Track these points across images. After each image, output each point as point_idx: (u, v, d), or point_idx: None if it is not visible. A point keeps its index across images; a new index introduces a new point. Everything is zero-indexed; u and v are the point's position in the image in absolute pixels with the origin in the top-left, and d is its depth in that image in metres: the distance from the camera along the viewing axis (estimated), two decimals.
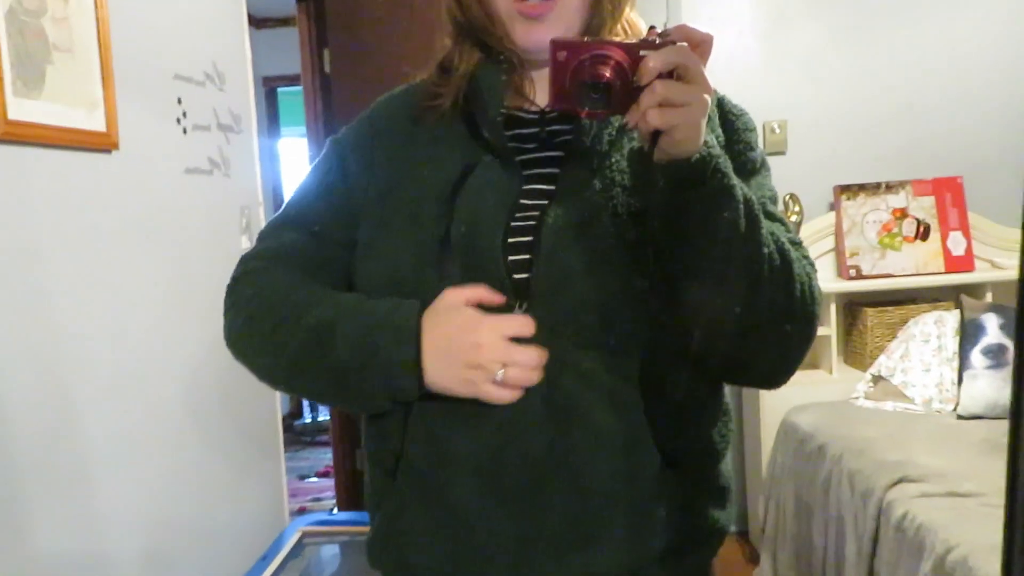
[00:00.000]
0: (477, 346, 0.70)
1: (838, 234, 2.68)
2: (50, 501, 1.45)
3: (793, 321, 0.75)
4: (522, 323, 0.72)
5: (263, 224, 2.49)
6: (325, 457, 3.88)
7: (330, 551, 2.28)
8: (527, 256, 0.77)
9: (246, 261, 0.86)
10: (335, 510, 3.08)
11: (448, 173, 0.80)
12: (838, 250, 2.69)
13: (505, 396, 0.71)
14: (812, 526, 2.24)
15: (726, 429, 0.86)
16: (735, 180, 0.69)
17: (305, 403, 4.76)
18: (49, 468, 1.45)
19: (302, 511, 3.37)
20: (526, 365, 0.71)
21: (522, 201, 0.79)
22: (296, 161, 5.17)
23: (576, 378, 0.75)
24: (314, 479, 3.90)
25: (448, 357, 0.72)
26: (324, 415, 4.05)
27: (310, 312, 0.77)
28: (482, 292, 0.73)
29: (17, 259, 1.39)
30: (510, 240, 0.77)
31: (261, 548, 2.23)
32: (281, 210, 0.89)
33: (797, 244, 0.78)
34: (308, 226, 0.86)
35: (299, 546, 2.23)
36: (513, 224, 0.78)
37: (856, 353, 2.74)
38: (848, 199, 2.67)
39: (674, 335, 0.76)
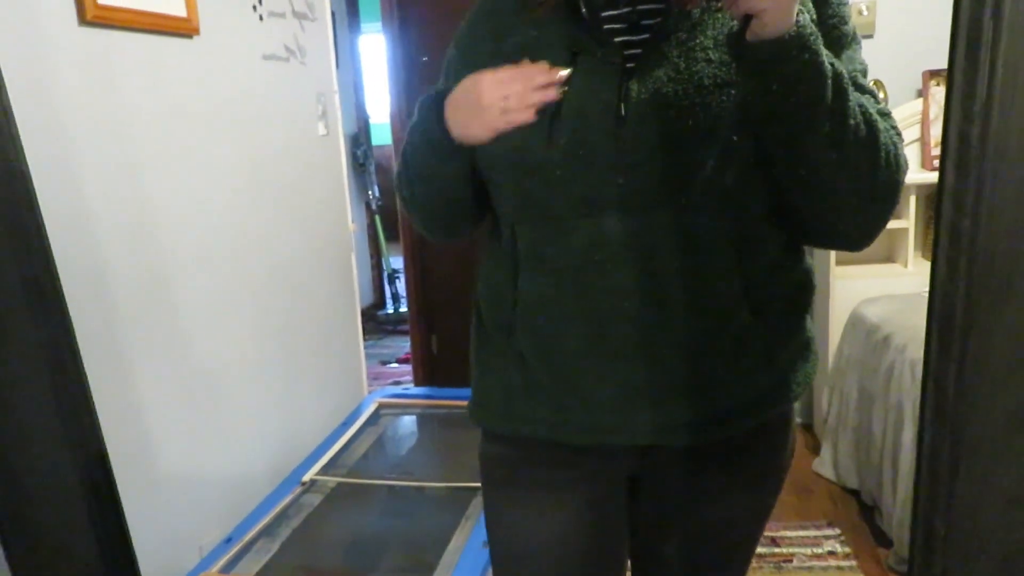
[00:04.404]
0: (479, 95, 0.78)
1: (924, 122, 2.56)
2: (148, 350, 1.62)
3: (877, 187, 0.79)
4: (514, 71, 0.77)
5: (339, 111, 2.57)
6: (405, 345, 4.07)
7: (405, 421, 2.44)
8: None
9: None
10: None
11: (556, 58, 0.82)
12: (923, 140, 2.58)
13: (516, 118, 0.77)
14: (872, 415, 2.26)
15: (810, 285, 0.93)
16: (824, 57, 0.72)
17: (387, 294, 4.95)
18: (146, 323, 1.62)
19: None
20: (522, 89, 0.76)
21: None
22: (375, 58, 5.19)
23: (670, 241, 0.81)
24: (395, 364, 4.11)
25: (460, 112, 0.82)
26: (404, 307, 4.23)
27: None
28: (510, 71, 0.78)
29: (113, 133, 1.52)
30: None
31: (341, 417, 2.41)
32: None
33: (886, 115, 0.82)
34: None
35: (376, 416, 2.40)
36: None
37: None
38: (938, 85, 2.53)
39: (763, 199, 0.82)
